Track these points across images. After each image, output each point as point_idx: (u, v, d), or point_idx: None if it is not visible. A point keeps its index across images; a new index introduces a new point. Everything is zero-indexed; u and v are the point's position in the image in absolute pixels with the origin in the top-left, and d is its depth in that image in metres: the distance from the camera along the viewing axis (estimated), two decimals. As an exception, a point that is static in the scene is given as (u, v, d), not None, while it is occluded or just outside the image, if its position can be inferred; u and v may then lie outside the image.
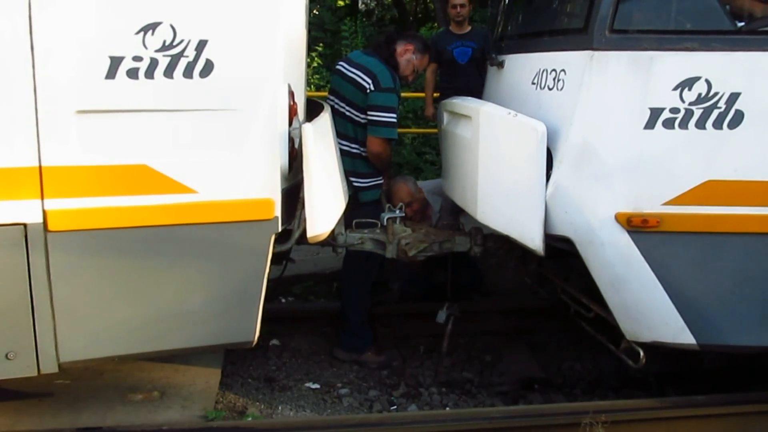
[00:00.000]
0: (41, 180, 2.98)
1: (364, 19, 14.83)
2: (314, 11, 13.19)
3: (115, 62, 3.00)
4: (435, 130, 6.86)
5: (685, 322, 3.64)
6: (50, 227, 3.02)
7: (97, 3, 2.97)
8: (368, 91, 4.58)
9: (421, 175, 9.68)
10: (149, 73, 3.05)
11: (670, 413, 3.93)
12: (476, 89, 5.20)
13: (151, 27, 3.02)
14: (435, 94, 6.77)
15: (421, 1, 19.19)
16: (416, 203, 5.26)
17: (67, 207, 3.04)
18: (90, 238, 3.12)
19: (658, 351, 3.82)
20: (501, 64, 4.64)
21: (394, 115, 4.62)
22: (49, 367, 3.20)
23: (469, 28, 6.52)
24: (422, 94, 7.56)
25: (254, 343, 3.55)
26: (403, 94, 9.27)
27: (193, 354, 4.27)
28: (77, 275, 3.15)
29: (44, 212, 3.01)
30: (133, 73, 3.02)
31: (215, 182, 3.25)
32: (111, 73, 3.00)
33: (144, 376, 4.18)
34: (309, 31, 4.09)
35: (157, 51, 3.04)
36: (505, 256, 4.61)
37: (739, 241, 3.58)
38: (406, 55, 4.78)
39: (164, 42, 3.05)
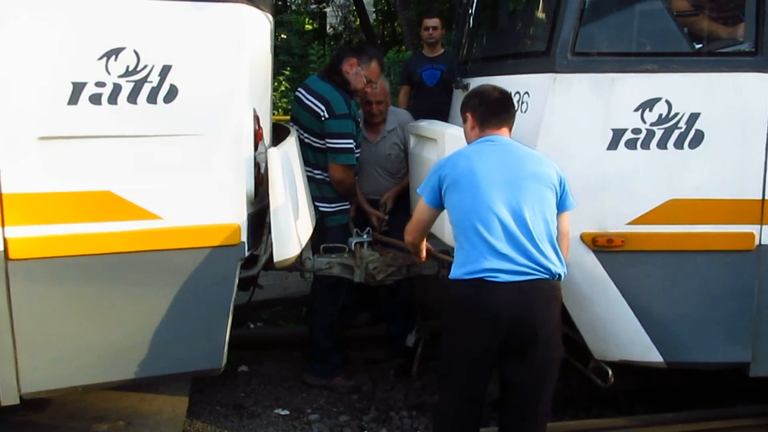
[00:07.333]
0: (1, 207, 2.93)
1: (332, 43, 14.92)
2: (282, 35, 13.23)
3: (78, 88, 2.97)
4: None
5: (652, 340, 3.68)
6: (11, 255, 2.96)
7: (59, 28, 2.95)
8: (323, 118, 4.58)
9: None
10: (112, 99, 3.02)
11: (639, 431, 3.95)
12: (444, 111, 5.23)
13: (115, 52, 3.00)
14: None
15: (388, 25, 19.38)
16: (385, 104, 5.13)
17: (29, 234, 2.99)
18: (53, 265, 3.06)
19: (627, 369, 3.84)
20: (466, 87, 4.68)
21: (351, 141, 4.61)
22: (10, 398, 3.12)
23: (441, 50, 6.58)
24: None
25: (222, 370, 3.52)
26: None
27: (160, 382, 4.19)
28: (39, 304, 3.09)
29: (5, 240, 2.95)
30: (96, 99, 3.00)
31: (180, 208, 3.22)
32: (73, 99, 2.97)
33: (109, 406, 4.09)
34: (276, 55, 4.09)
35: (120, 76, 3.02)
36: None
37: (703, 258, 3.63)
38: (353, 69, 4.73)
39: (127, 67, 3.03)
